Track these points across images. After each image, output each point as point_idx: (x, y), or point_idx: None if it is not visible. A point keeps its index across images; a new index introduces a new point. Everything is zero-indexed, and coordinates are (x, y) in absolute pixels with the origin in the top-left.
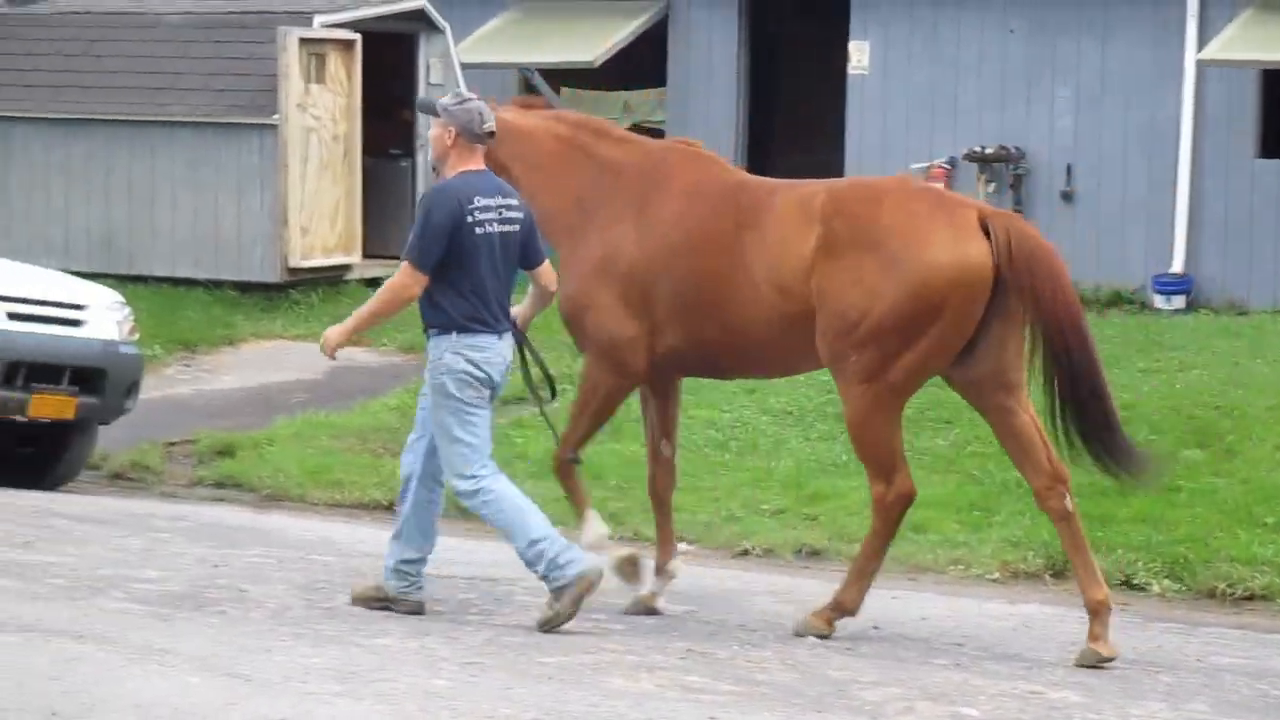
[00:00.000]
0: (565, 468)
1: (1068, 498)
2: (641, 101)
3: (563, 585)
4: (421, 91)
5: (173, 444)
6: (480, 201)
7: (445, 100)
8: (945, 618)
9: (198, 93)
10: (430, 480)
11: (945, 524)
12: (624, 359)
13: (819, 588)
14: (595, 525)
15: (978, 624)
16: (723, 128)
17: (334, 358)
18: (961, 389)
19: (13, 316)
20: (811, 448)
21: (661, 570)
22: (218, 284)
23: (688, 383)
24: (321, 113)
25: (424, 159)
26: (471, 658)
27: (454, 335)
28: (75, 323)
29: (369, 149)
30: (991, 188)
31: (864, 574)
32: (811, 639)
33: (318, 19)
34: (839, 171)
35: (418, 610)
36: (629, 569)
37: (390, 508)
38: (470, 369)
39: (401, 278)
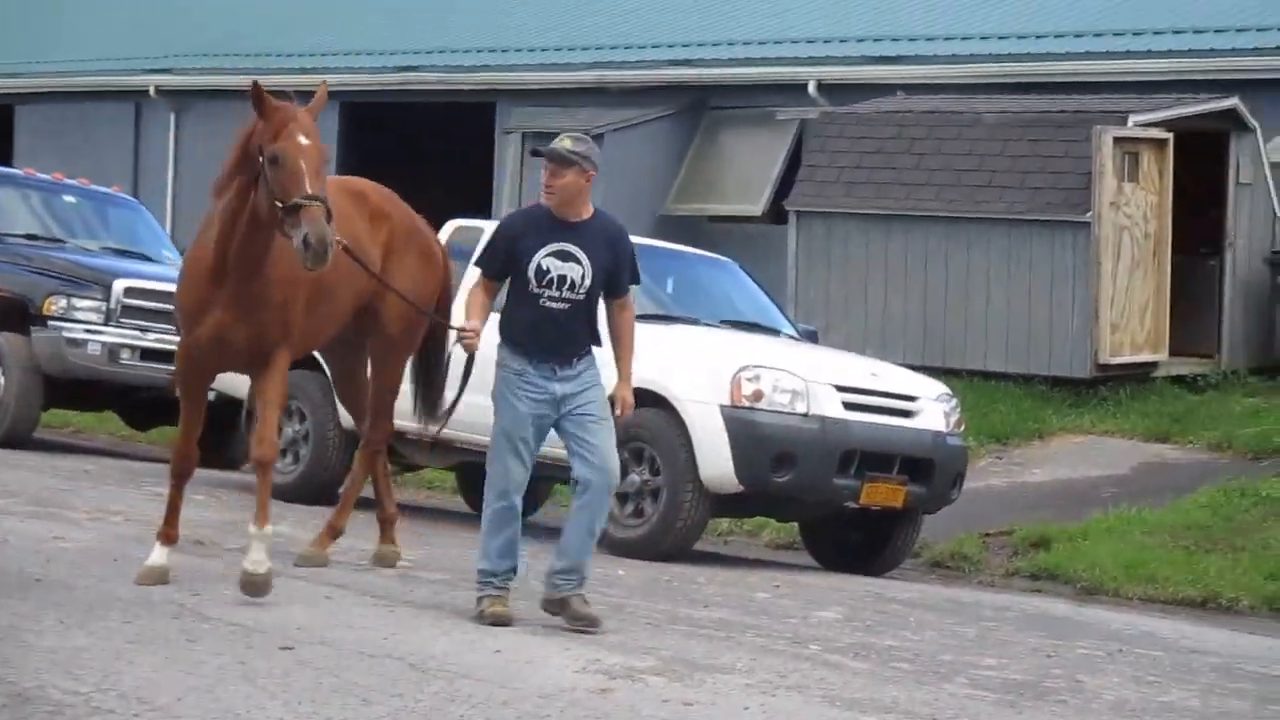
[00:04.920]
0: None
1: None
2: None
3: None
4: (1231, 190)
5: (989, 534)
6: None
7: (581, 148)
8: None
9: (1013, 190)
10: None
11: None
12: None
13: None
14: None
15: None
16: None
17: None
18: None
19: (848, 406)
20: None
21: None
22: (1028, 378)
23: None
24: (1134, 211)
25: (1233, 257)
26: None
27: None
28: (907, 413)
29: (1177, 247)
30: None
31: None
32: None
33: (1132, 118)
34: None
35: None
36: None
37: (1204, 604)
38: None
39: (634, 311)
